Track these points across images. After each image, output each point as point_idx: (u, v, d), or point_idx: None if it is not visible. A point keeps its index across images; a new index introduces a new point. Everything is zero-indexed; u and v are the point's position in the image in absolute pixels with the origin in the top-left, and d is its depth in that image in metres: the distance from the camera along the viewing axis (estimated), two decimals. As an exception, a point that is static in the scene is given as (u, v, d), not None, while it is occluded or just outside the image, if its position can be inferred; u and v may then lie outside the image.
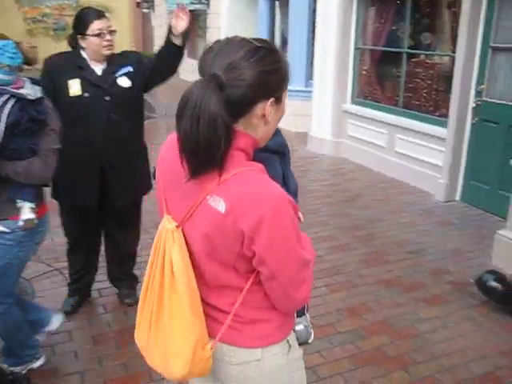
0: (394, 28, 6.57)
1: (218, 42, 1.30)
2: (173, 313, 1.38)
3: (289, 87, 1.36)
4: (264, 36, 9.27)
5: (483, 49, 5.16)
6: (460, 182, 5.62)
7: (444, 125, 5.61)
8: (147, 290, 1.45)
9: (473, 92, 5.31)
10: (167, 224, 1.38)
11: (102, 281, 3.64)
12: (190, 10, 3.24)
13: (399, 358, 3.05)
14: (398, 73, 6.54)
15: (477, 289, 3.67)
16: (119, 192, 3.13)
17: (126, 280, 3.57)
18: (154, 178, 1.51)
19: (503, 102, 5.06)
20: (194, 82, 1.23)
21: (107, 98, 2.96)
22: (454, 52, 5.48)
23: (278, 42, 6.78)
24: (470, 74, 5.27)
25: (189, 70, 8.91)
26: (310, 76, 8.35)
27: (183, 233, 1.37)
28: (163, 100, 10.32)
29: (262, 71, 1.24)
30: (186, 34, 2.99)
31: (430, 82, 6.09)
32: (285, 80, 1.32)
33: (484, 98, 5.23)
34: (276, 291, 1.36)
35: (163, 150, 1.45)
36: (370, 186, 6.19)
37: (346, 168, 6.92)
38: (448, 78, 5.68)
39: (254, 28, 10.68)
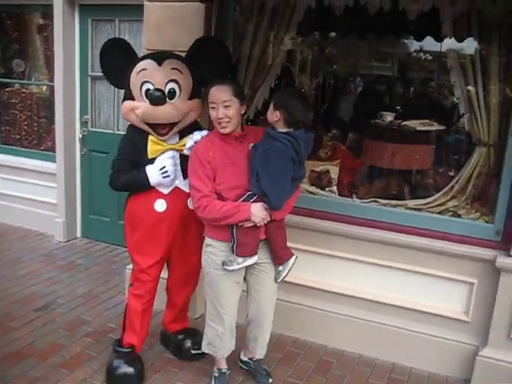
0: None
1: None
2: None
3: None
4: None
5: (82, 78, 4.96)
6: (78, 217, 5.29)
7: (52, 159, 5.17)
8: None
9: (78, 123, 5.05)
10: None
11: None
12: None
13: None
14: (-9, 104, 5.74)
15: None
16: None
17: None
18: None
19: (109, 131, 4.97)
20: None
21: None
22: (52, 81, 5.11)
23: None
24: (72, 104, 4.99)
25: None
26: None
27: None
28: None
29: None
30: None
31: (29, 113, 5.54)
32: None
33: (90, 129, 5.04)
34: None
35: None
36: (-19, 236, 5.24)
37: None
38: (50, 109, 5.29)
39: None
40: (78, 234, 5.32)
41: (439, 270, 3.27)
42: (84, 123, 5.03)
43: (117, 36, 4.69)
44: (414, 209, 3.43)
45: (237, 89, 2.62)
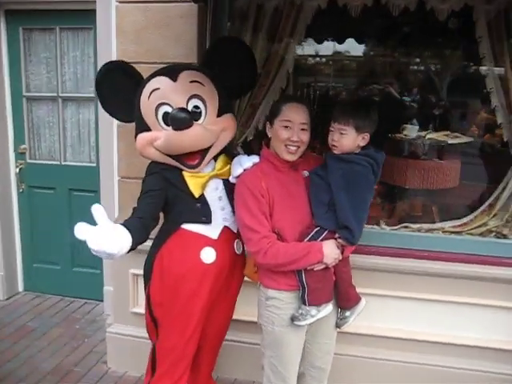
0: None
1: None
2: None
3: None
4: None
5: (15, 100, 4.06)
6: (20, 268, 4.36)
7: (-19, 200, 4.22)
8: None
9: (12, 154, 4.15)
10: None
11: None
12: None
13: None
14: None
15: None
16: None
17: None
18: None
19: (54, 162, 4.13)
20: None
21: None
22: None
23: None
24: (4, 131, 4.07)
25: None
26: None
27: None
28: None
29: None
30: None
31: None
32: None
33: (29, 160, 4.16)
34: None
35: None
36: None
37: None
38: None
39: None
40: (20, 289, 4.38)
41: (491, 298, 2.91)
42: (20, 154, 4.14)
43: (58, 47, 3.90)
44: (453, 232, 3.04)
45: (311, 113, 2.19)
